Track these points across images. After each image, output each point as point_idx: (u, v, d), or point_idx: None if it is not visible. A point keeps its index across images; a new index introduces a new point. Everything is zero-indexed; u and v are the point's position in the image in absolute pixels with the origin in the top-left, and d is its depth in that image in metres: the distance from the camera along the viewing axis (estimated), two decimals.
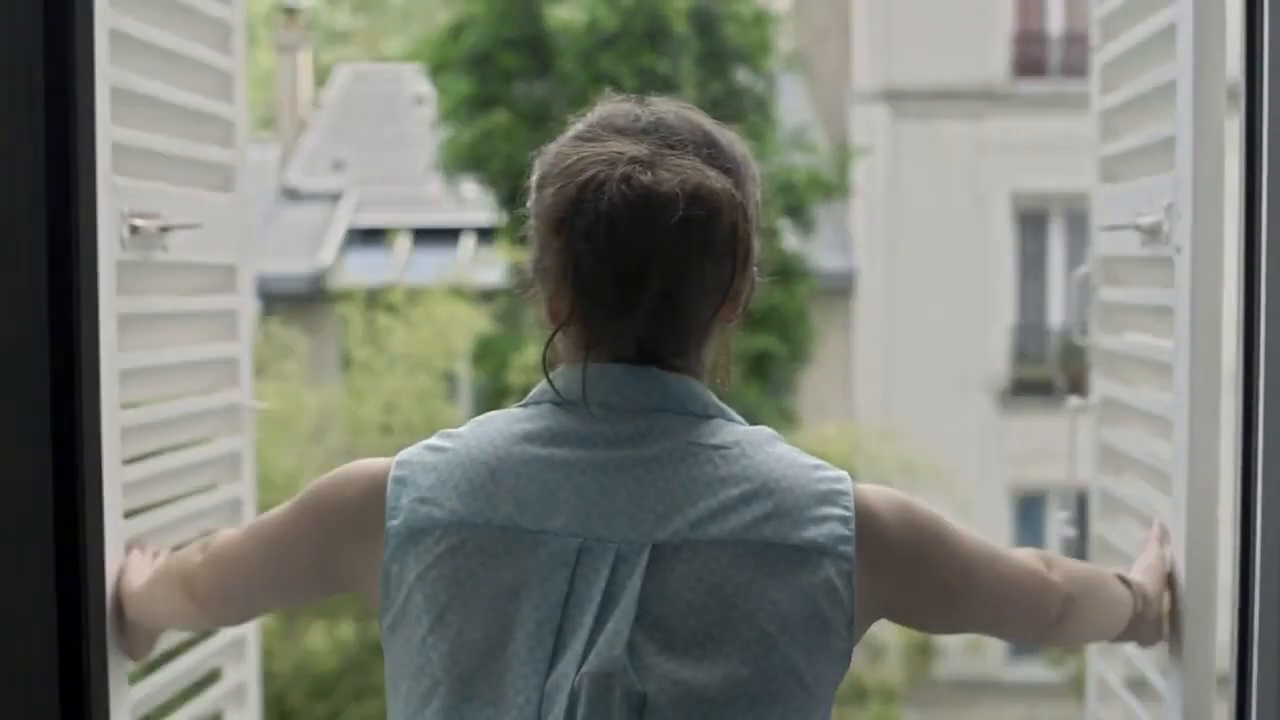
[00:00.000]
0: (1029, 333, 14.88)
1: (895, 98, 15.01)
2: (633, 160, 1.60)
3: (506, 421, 1.65)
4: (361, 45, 23.01)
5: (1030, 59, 15.12)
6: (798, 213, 12.73)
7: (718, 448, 1.61)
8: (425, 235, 15.64)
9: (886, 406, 14.42)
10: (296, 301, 14.66)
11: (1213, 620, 2.01)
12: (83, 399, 1.66)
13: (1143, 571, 2.03)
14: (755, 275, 1.70)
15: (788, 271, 12.51)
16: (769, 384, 12.74)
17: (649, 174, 1.59)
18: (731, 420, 1.66)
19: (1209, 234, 2.00)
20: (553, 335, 1.64)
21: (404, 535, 1.60)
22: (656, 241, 1.58)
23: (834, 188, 13.14)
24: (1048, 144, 14.76)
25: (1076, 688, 12.92)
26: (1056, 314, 14.95)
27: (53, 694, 1.68)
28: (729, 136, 1.70)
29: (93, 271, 1.69)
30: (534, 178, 1.67)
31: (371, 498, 1.63)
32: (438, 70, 12.80)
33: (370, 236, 15.91)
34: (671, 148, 1.64)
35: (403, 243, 15.44)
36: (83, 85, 1.65)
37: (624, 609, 1.53)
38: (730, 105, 12.43)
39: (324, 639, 10.33)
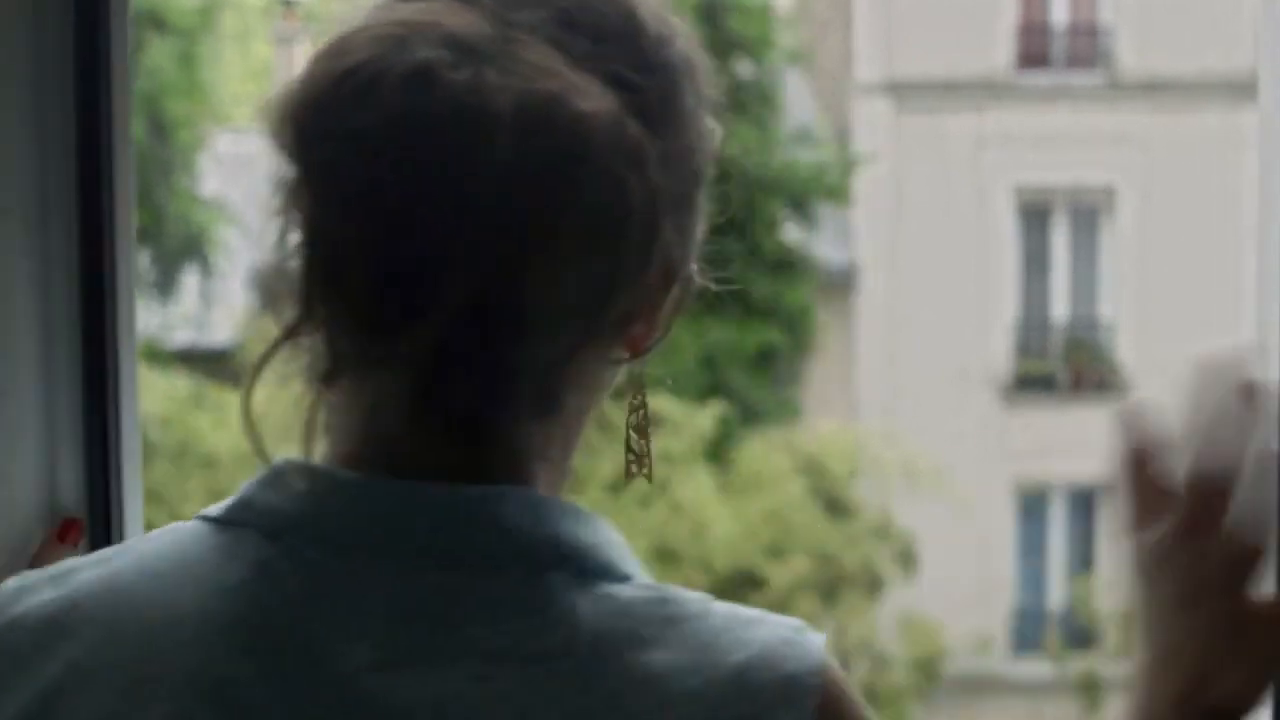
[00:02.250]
0: (1032, 328, 14.79)
1: (898, 90, 14.90)
2: (451, 42, 0.86)
3: (183, 562, 0.92)
4: None
5: (1034, 51, 15.01)
6: (800, 206, 12.67)
7: (557, 656, 0.87)
8: None
9: (889, 401, 14.32)
10: None
11: None
12: None
13: None
14: (688, 271, 0.96)
15: (790, 265, 12.46)
16: (771, 378, 12.67)
17: (467, 72, 0.85)
18: (617, 573, 0.90)
19: None
20: (262, 360, 0.91)
21: None
22: (467, 202, 0.85)
23: (836, 192, 13.13)
24: (1052, 137, 14.67)
25: (1080, 686, 12.84)
26: (1060, 309, 14.86)
27: None
28: (667, 25, 0.94)
29: None
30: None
31: None
32: None
33: None
34: (552, 33, 0.89)
35: None
36: None
37: None
38: (735, 98, 12.36)
39: None
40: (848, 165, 13.60)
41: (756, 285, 12.26)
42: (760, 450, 11.79)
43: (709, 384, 11.69)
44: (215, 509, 0.94)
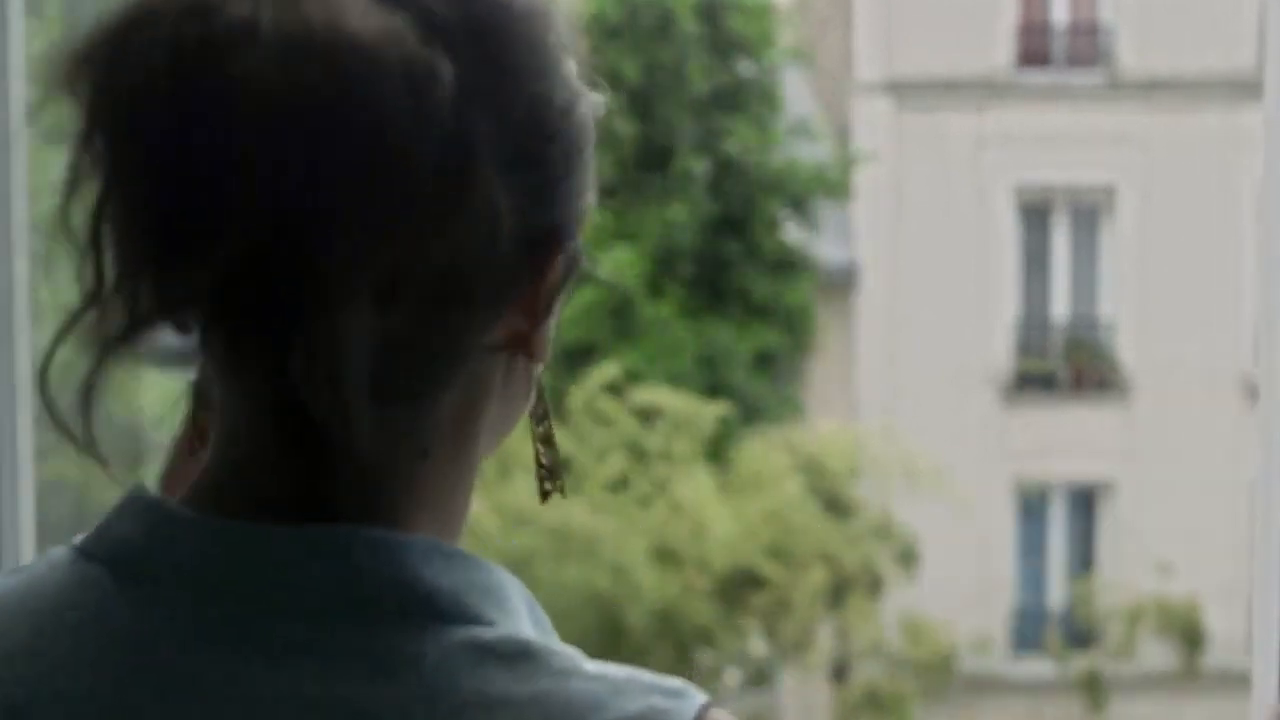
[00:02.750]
0: (1032, 327, 14.79)
1: (898, 89, 14.90)
2: None
3: (29, 597, 0.86)
4: None
5: (1034, 51, 15.01)
6: (800, 206, 12.67)
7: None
8: None
9: (889, 400, 14.33)
10: None
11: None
12: None
13: None
14: (570, 249, 0.84)
15: (790, 264, 12.45)
16: (772, 377, 12.67)
17: (248, 5, 0.76)
18: (481, 622, 0.80)
19: None
20: (63, 331, 0.80)
21: None
22: (236, 140, 0.75)
23: (837, 188, 13.13)
24: (1052, 137, 14.66)
25: (1080, 685, 12.85)
26: (1060, 308, 14.86)
27: None
28: None
29: None
30: None
31: None
32: None
33: None
34: None
35: None
36: None
37: None
38: (735, 97, 12.38)
39: None
40: (848, 164, 13.60)
41: (756, 285, 12.28)
42: (760, 450, 11.79)
43: (709, 384, 11.70)
44: (80, 537, 0.86)
